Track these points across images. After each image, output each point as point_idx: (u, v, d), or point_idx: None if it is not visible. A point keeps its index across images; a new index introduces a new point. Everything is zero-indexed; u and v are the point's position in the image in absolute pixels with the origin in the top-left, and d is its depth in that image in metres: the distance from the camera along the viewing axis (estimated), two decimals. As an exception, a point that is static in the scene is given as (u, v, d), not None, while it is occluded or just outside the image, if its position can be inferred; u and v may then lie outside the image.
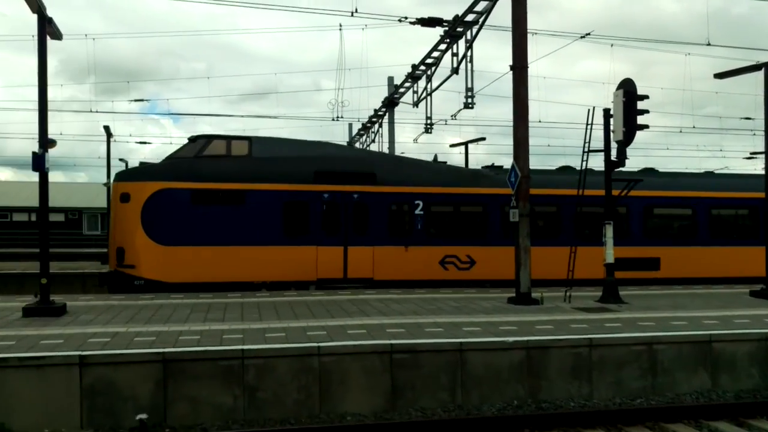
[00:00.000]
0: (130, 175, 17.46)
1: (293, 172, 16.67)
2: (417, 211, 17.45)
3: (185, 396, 8.44)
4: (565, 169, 20.06)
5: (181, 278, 15.69)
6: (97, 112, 26.33)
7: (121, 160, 32.52)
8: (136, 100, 34.12)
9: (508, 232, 16.26)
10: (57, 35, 11.54)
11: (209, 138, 17.03)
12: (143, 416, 8.08)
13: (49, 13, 11.26)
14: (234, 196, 16.26)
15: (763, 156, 17.71)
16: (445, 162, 20.99)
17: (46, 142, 10.89)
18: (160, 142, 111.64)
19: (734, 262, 18.99)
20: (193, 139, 17.15)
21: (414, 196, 17.39)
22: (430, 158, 22.51)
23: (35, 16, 11.10)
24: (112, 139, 29.42)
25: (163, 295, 14.46)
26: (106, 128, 28.92)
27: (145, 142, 33.97)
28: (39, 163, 10.85)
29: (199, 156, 16.60)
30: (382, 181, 17.27)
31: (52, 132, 11.30)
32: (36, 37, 11.23)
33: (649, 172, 20.27)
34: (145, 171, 16.87)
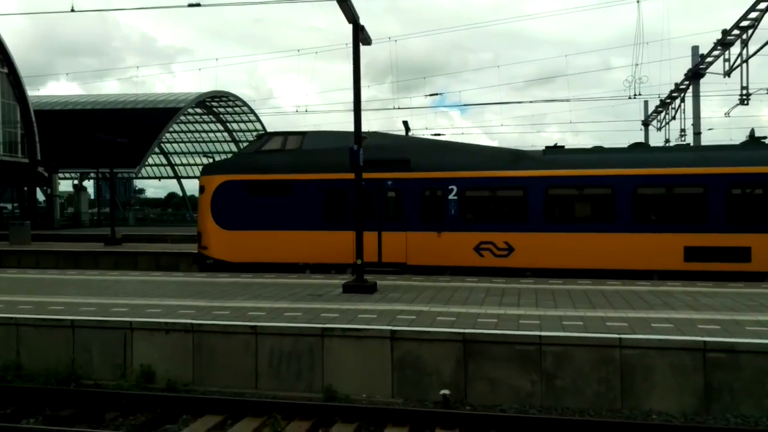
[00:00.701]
0: (206, 169, 19.41)
1: (334, 162, 17.05)
2: (450, 197, 17.00)
3: (484, 376, 8.75)
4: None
5: (240, 259, 17.70)
6: (398, 108, 28.73)
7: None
8: (430, 95, 36.05)
9: (552, 217, 16.08)
10: (367, 41, 12.82)
11: (270, 135, 18.79)
12: (446, 392, 8.59)
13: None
14: (282, 185, 17.69)
15: None
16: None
17: (359, 138, 12.20)
18: (451, 132, 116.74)
19: None
20: (258, 136, 18.89)
21: (447, 182, 16.98)
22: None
23: (346, 27, 12.47)
24: (410, 133, 31.63)
25: (458, 278, 15.15)
26: (405, 123, 31.20)
27: (438, 134, 35.86)
28: (355, 157, 12.22)
29: (258, 151, 18.48)
30: (416, 167, 17.21)
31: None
32: (350, 45, 12.63)
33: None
34: (216, 166, 19.24)
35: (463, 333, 8.88)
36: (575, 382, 8.50)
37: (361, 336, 9.15)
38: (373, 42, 13.05)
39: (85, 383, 9.62)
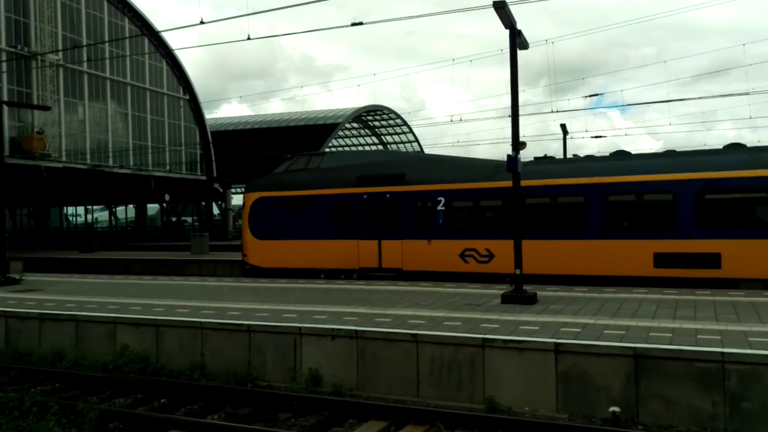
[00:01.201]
0: (248, 187, 22.58)
1: (344, 179, 19.73)
2: (438, 207, 18.30)
3: (658, 394, 8.18)
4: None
5: (270, 265, 20.59)
6: (555, 111, 27.86)
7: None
8: (589, 96, 34.64)
9: (528, 225, 15.94)
10: (524, 45, 12.61)
11: (297, 156, 21.78)
12: (616, 409, 8.14)
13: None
14: (301, 200, 20.31)
15: None
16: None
17: (518, 144, 12.01)
18: (612, 134, 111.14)
19: None
20: (288, 156, 22.22)
21: (436, 193, 18.33)
22: None
23: (499, 33, 12.33)
24: (568, 137, 30.61)
25: (625, 289, 14.33)
26: (563, 126, 30.22)
27: (599, 136, 34.31)
28: (512, 164, 12.03)
29: (287, 170, 21.42)
30: (410, 181, 18.81)
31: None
32: (505, 50, 12.49)
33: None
34: (254, 184, 22.08)
35: (635, 347, 8.37)
36: (765, 406, 7.68)
37: (524, 348, 8.94)
38: (533, 46, 12.81)
39: (260, 384, 10.30)
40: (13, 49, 37.69)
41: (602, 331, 9.42)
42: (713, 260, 15.26)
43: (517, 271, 12.66)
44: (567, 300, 12.82)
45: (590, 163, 17.77)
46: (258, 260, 21.10)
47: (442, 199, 18.43)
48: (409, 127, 69.23)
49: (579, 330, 9.53)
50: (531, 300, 12.44)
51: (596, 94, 59.32)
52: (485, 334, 9.39)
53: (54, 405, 8.66)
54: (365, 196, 19.54)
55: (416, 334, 9.58)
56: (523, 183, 13.99)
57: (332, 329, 10.20)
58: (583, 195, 16.63)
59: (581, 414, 8.50)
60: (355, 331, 10.00)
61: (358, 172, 20.05)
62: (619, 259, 16.04)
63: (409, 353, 9.57)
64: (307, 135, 57.61)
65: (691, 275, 15.26)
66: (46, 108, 31.90)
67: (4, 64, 36.81)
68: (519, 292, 12.62)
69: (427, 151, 70.55)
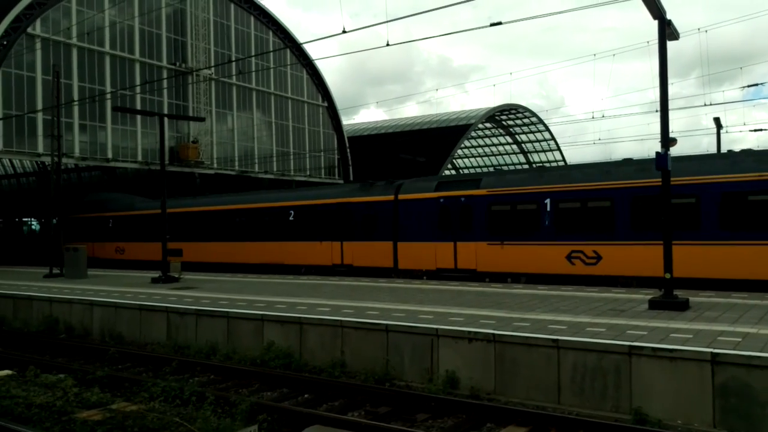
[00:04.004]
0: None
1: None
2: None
3: (837, 415, 7.32)
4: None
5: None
6: (708, 105, 25.72)
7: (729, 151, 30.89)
8: (748, 86, 31.91)
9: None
10: (674, 35, 11.81)
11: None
12: (785, 428, 7.39)
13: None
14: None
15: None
16: None
17: (667, 141, 11.27)
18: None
19: None
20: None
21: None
22: None
23: (645, 24, 11.61)
24: (722, 131, 28.29)
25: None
26: (716, 120, 27.98)
27: (759, 129, 31.31)
28: (662, 161, 11.30)
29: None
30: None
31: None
32: (651, 42, 11.79)
33: None
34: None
35: (806, 361, 7.55)
36: None
37: (675, 357, 8.36)
38: (684, 35, 11.99)
39: (398, 384, 10.45)
40: (172, 66, 41.15)
41: (767, 341, 8.59)
42: None
43: (667, 275, 11.86)
44: (723, 306, 11.84)
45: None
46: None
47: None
48: (545, 125, 67.28)
49: (739, 340, 8.76)
50: (682, 306, 11.62)
51: (756, 84, 54.13)
52: (632, 341, 8.89)
53: (210, 395, 9.31)
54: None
55: (557, 340, 9.27)
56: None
57: (469, 332, 10.12)
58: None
59: (743, 431, 7.81)
60: (493, 334, 9.85)
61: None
62: None
63: (550, 359, 9.27)
64: (440, 137, 57.73)
65: None
66: (201, 119, 34.49)
67: (165, 81, 40.29)
68: (669, 297, 11.82)
69: (564, 149, 68.31)
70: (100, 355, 13.18)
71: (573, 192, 18.13)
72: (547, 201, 18.49)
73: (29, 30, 33.85)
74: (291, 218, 25.24)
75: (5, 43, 32.59)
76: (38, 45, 34.14)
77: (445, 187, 21.22)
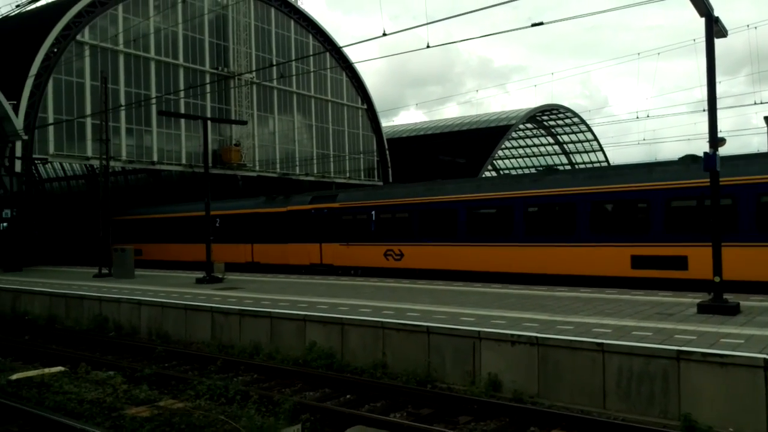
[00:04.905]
0: None
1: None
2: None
3: None
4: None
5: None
6: (758, 103, 24.89)
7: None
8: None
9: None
10: (722, 33, 11.51)
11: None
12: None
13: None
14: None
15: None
16: None
17: (716, 141, 10.99)
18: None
19: None
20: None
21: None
22: None
23: (691, 22, 11.35)
24: (772, 130, 27.45)
25: None
26: (767, 119, 27.15)
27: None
28: (710, 162, 11.02)
29: None
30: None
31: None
32: (698, 40, 11.51)
33: None
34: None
35: None
36: None
37: (726, 363, 8.14)
38: (733, 32, 11.67)
39: (439, 386, 10.42)
40: (215, 71, 41.89)
41: (825, 348, 8.30)
42: None
43: (716, 279, 11.56)
44: (777, 312, 11.47)
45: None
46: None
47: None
48: (587, 125, 66.31)
49: (796, 346, 8.48)
50: (732, 310, 11.30)
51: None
52: (680, 345, 8.69)
53: (254, 394, 9.44)
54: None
55: (602, 344, 9.12)
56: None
57: (512, 335, 10.03)
58: None
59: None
60: (536, 337, 9.75)
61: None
62: None
63: (595, 363, 9.13)
64: (480, 138, 57.40)
65: None
66: (243, 122, 34.99)
67: (208, 85, 41.04)
68: (718, 301, 11.52)
69: (608, 150, 67.16)
70: (147, 353, 13.49)
71: (387, 206, 23.95)
72: (373, 212, 24.21)
73: (78, 38, 34.89)
74: (217, 224, 30.65)
75: (56, 50, 33.65)
76: (87, 52, 35.15)
77: (316, 201, 26.76)
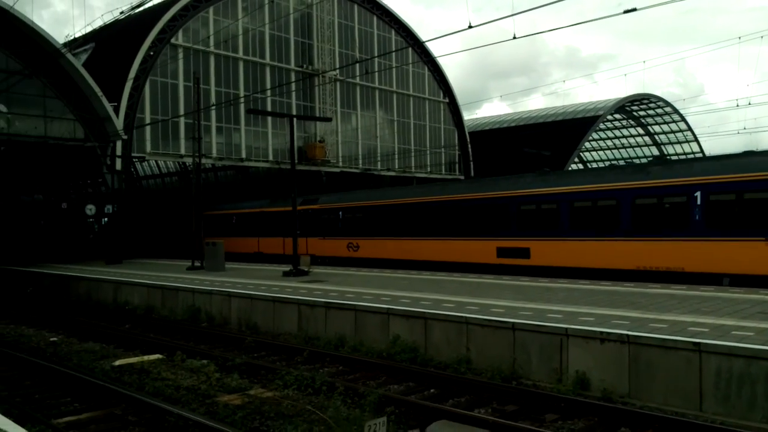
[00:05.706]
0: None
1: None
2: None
3: None
4: None
5: None
6: None
7: None
8: None
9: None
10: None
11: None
12: None
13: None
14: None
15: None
16: None
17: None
18: None
19: None
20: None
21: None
22: None
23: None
24: None
25: None
26: None
27: None
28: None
29: None
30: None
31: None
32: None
33: None
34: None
35: None
36: None
37: (838, 366, 7.60)
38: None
39: (525, 383, 10.26)
40: (300, 69, 42.83)
41: None
42: None
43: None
44: None
45: None
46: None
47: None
48: (680, 115, 63.17)
49: None
50: None
51: None
52: (786, 347, 8.17)
53: (340, 386, 9.64)
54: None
55: (699, 343, 8.71)
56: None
57: (601, 332, 9.74)
58: None
59: None
60: (627, 335, 9.42)
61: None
62: None
63: (690, 363, 8.73)
64: (565, 130, 55.82)
65: None
66: (328, 119, 35.57)
67: (293, 83, 42.01)
68: (829, 301, 10.75)
69: (703, 141, 63.86)
70: (237, 344, 14.01)
71: (348, 208, 30.06)
72: (339, 213, 30.40)
73: (173, 41, 36.52)
74: (233, 221, 37.53)
75: (152, 54, 35.37)
76: (180, 54, 36.75)
77: (305, 202, 31.56)
